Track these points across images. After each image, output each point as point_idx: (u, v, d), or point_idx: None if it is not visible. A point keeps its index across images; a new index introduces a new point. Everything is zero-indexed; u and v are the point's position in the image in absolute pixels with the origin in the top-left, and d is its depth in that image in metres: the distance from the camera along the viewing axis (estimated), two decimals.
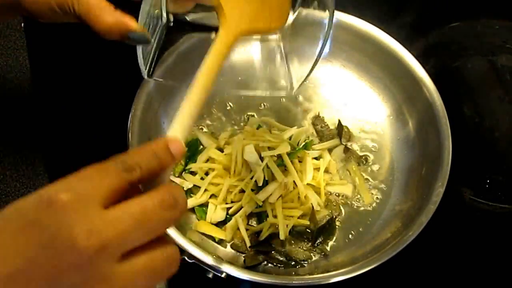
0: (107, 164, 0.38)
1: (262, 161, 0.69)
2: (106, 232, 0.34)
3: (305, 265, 0.67)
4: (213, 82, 0.43)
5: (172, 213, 0.37)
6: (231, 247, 0.68)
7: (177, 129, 0.40)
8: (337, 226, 0.70)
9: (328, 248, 0.68)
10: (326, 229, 0.69)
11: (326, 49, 0.80)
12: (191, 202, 0.70)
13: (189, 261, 0.60)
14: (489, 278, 0.71)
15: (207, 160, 0.73)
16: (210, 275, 0.61)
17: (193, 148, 0.74)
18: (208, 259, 0.60)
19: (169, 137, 0.40)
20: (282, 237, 0.67)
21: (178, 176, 0.72)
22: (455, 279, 0.70)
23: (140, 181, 0.38)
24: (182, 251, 0.61)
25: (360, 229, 0.70)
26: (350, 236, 0.70)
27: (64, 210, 0.34)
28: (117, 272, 0.35)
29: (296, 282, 0.60)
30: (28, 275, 0.33)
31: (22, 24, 0.87)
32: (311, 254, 0.68)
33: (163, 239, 0.38)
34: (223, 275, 0.60)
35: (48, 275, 0.33)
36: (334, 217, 0.70)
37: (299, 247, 0.68)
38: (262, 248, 0.67)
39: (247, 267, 0.65)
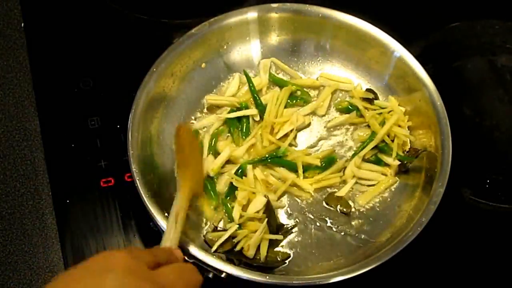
0: (144, 249, 0.58)
1: None
2: (160, 281, 0.48)
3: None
4: (182, 224, 0.61)
5: (198, 276, 0.54)
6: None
7: (169, 243, 0.59)
8: (334, 229, 0.70)
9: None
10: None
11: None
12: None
13: (189, 260, 0.60)
14: (489, 278, 0.71)
15: None
16: (210, 275, 0.61)
17: None
18: (209, 259, 0.60)
19: (167, 247, 0.58)
20: (249, 252, 0.66)
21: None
22: (455, 279, 0.70)
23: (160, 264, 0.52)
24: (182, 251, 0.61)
25: (360, 230, 0.70)
26: (350, 236, 0.70)
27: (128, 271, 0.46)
28: None
29: (296, 282, 0.60)
30: None
31: (22, 24, 0.87)
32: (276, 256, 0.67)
33: None
34: (223, 275, 0.60)
35: None
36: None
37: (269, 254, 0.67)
38: (232, 256, 0.65)
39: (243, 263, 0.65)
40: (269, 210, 0.68)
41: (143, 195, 0.64)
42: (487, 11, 0.89)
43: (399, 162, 0.73)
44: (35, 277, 0.68)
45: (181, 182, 0.65)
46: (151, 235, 0.67)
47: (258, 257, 0.66)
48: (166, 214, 0.64)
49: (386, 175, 0.74)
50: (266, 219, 0.67)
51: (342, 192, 0.72)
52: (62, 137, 0.76)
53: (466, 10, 0.89)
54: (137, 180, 0.65)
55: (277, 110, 0.77)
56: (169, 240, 0.58)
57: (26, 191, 0.74)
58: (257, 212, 0.68)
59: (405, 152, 0.75)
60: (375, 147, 0.74)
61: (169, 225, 0.60)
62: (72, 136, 0.76)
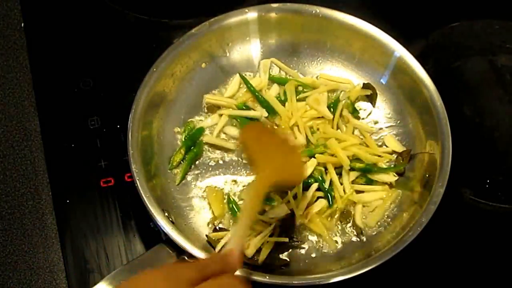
0: (190, 263, 0.54)
1: None
2: None
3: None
4: (253, 215, 0.58)
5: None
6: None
7: (233, 244, 0.54)
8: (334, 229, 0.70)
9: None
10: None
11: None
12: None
13: (190, 261, 0.60)
14: (489, 278, 0.71)
15: None
16: None
17: (195, 137, 0.75)
18: None
19: (227, 250, 0.53)
20: (248, 250, 0.66)
21: (176, 167, 0.73)
22: (455, 279, 0.70)
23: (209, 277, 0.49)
24: (183, 251, 0.61)
25: (360, 230, 0.70)
26: (350, 237, 0.70)
27: None
28: None
29: (296, 282, 0.60)
30: None
31: (22, 24, 0.87)
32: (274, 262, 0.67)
33: None
34: None
35: None
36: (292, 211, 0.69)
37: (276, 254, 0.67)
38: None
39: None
40: (290, 222, 0.68)
41: (143, 195, 0.64)
42: (487, 11, 0.89)
43: (396, 177, 0.72)
44: (35, 277, 0.68)
45: (256, 174, 0.61)
46: (151, 235, 0.68)
47: (256, 258, 0.66)
48: (166, 214, 0.64)
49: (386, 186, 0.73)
50: (273, 224, 0.67)
51: (358, 220, 0.70)
52: (62, 137, 0.77)
53: (466, 10, 0.89)
54: (137, 180, 0.65)
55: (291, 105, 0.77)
56: (231, 241, 0.54)
57: (26, 191, 0.74)
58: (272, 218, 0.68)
59: (398, 157, 0.74)
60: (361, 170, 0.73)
61: (236, 224, 0.59)
62: (72, 136, 0.76)
